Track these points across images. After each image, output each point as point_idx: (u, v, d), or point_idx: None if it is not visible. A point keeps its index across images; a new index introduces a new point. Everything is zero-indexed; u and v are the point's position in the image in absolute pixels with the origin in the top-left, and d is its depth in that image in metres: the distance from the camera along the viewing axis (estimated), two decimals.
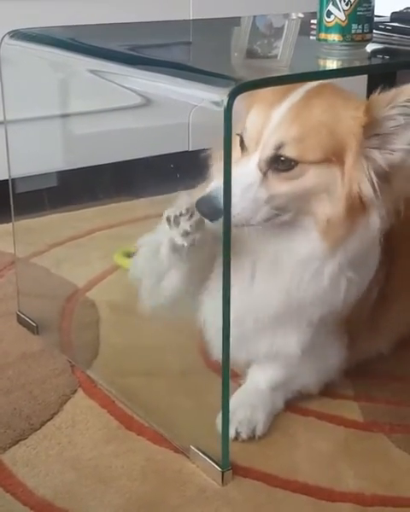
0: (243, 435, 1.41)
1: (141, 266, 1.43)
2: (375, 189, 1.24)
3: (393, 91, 1.23)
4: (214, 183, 1.24)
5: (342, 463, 1.38)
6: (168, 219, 1.26)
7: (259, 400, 1.47)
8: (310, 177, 1.25)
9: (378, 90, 1.25)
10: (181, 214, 1.25)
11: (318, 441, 1.43)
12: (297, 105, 1.25)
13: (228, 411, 1.32)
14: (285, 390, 1.50)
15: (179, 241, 1.27)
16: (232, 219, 1.22)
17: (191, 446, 1.38)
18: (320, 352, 1.47)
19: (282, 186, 1.25)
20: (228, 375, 1.30)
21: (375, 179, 1.24)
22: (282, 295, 1.35)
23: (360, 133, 1.24)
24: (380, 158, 1.25)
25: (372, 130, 1.24)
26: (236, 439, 1.40)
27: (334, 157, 1.24)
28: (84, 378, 1.61)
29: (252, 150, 1.26)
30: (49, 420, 1.48)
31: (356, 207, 1.26)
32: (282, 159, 1.24)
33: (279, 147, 1.23)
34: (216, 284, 1.32)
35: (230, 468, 1.34)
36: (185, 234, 1.26)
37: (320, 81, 1.31)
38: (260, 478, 1.34)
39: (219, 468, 1.33)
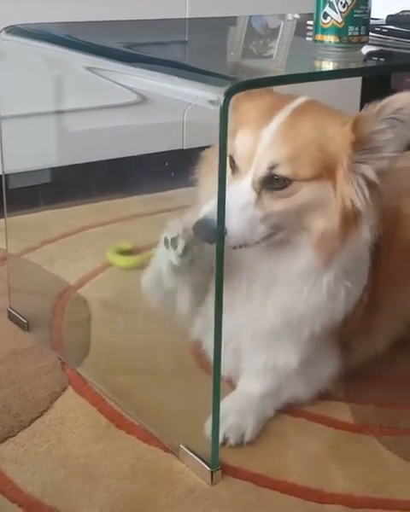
0: (232, 441, 1.40)
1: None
2: (366, 200, 1.27)
3: (379, 105, 1.23)
4: (208, 206, 1.24)
5: (331, 465, 1.38)
6: (166, 242, 1.28)
7: (249, 407, 1.46)
8: (303, 194, 1.26)
9: (368, 106, 1.26)
10: (178, 235, 1.26)
11: (308, 442, 1.43)
12: (286, 124, 1.26)
13: (218, 411, 1.32)
14: (276, 399, 1.49)
15: (177, 261, 1.29)
16: (231, 240, 1.24)
17: (181, 446, 1.38)
18: (313, 362, 1.47)
19: (276, 204, 1.26)
20: (219, 375, 1.29)
21: (366, 191, 1.26)
22: (280, 311, 1.37)
23: (349, 148, 1.25)
24: (369, 170, 1.27)
25: (361, 146, 1.26)
26: (224, 444, 1.39)
27: (325, 172, 1.26)
28: (74, 376, 1.61)
29: (244, 170, 1.27)
30: (38, 417, 1.48)
31: (349, 220, 1.28)
32: (276, 178, 1.25)
33: (273, 166, 1.24)
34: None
35: (219, 468, 1.33)
36: (183, 254, 1.28)
37: (305, 99, 1.32)
38: (249, 478, 1.34)
39: (209, 468, 1.33)
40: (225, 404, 1.44)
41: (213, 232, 1.21)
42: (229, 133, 1.27)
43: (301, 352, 1.43)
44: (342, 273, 1.34)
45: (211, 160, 1.34)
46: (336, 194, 1.26)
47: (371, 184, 1.27)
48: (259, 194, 1.25)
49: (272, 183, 1.25)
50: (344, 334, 1.50)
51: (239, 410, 1.45)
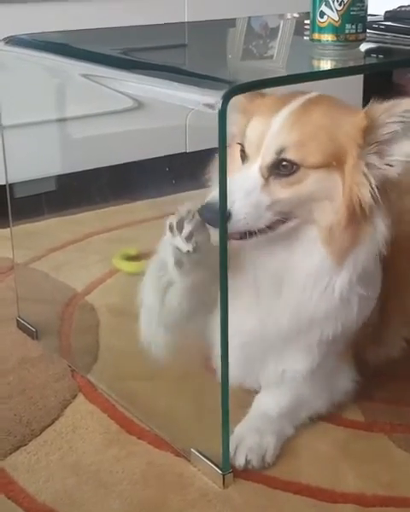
0: (254, 463, 1.36)
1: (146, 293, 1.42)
2: (374, 196, 1.25)
3: (392, 101, 1.24)
4: (217, 191, 1.23)
5: (342, 464, 1.38)
6: (171, 226, 1.26)
7: (267, 426, 1.42)
8: (311, 182, 1.25)
9: (376, 99, 1.26)
10: (183, 218, 1.24)
11: (318, 442, 1.43)
12: (297, 111, 1.26)
13: (227, 414, 1.32)
14: (294, 416, 1.46)
15: (184, 247, 1.26)
16: (236, 225, 1.22)
17: (192, 449, 1.38)
18: (329, 376, 1.46)
19: (284, 191, 1.25)
20: (227, 379, 1.29)
21: (375, 185, 1.25)
22: (290, 314, 1.34)
23: (360, 137, 1.24)
24: (380, 165, 1.25)
25: (371, 136, 1.25)
26: (246, 466, 1.36)
27: (334, 161, 1.24)
28: (84, 382, 1.61)
29: (253, 157, 1.27)
30: (49, 425, 1.48)
31: (359, 216, 1.26)
32: (283, 163, 1.24)
33: (281, 151, 1.24)
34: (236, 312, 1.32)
35: (231, 471, 1.34)
36: (189, 237, 1.25)
37: (319, 93, 1.31)
38: (260, 480, 1.34)
39: (220, 471, 1.33)
40: (243, 425, 1.43)
41: (218, 215, 1.20)
42: (241, 124, 1.31)
43: (311, 359, 1.41)
44: (355, 278, 1.31)
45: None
46: (345, 184, 1.25)
47: (382, 188, 1.26)
48: (266, 180, 1.25)
49: (279, 168, 1.24)
50: (358, 346, 1.49)
51: (257, 429, 1.41)
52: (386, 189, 1.27)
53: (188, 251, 1.26)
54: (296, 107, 1.26)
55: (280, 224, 1.27)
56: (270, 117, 1.26)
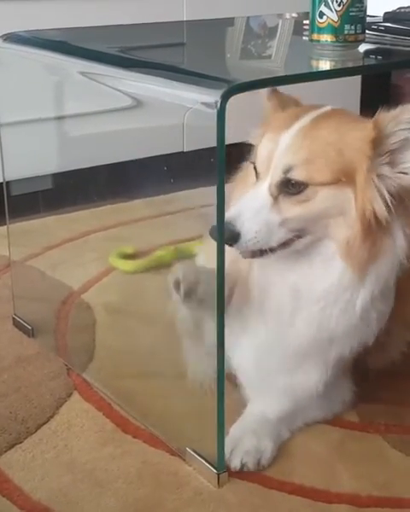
0: (250, 466, 1.35)
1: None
2: (389, 207, 1.23)
3: (399, 109, 1.23)
4: (230, 212, 1.24)
5: (337, 464, 1.38)
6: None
7: (265, 430, 1.41)
8: (321, 199, 1.24)
9: (383, 108, 1.26)
10: (180, 279, 1.29)
11: (313, 442, 1.43)
12: (305, 128, 1.26)
13: (223, 414, 1.32)
14: (292, 422, 1.45)
15: (184, 303, 1.32)
16: (247, 244, 1.23)
17: (187, 449, 1.38)
18: (331, 386, 1.44)
19: (294, 209, 1.25)
20: (223, 379, 1.29)
21: (388, 197, 1.23)
22: (309, 329, 1.34)
23: (369, 150, 1.23)
24: (392, 175, 1.24)
25: (381, 147, 1.24)
26: (241, 469, 1.35)
27: (344, 177, 1.23)
28: (79, 381, 1.61)
29: (263, 176, 1.27)
30: (44, 423, 1.48)
31: (375, 229, 1.25)
32: (292, 182, 1.24)
33: (288, 170, 1.24)
34: (252, 325, 1.36)
35: (226, 471, 1.33)
36: (187, 297, 1.30)
37: (331, 107, 1.32)
38: (255, 480, 1.34)
39: (215, 471, 1.33)
40: (240, 426, 1.42)
41: (231, 234, 1.22)
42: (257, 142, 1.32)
43: (325, 376, 1.40)
44: (377, 293, 1.31)
45: (241, 174, 1.39)
46: (357, 199, 1.24)
47: (397, 198, 1.24)
48: (276, 198, 1.25)
49: (288, 187, 1.24)
50: (360, 355, 1.47)
51: (255, 432, 1.40)
52: (403, 197, 1.26)
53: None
54: (304, 125, 1.26)
55: (294, 241, 1.27)
56: (279, 134, 1.26)
